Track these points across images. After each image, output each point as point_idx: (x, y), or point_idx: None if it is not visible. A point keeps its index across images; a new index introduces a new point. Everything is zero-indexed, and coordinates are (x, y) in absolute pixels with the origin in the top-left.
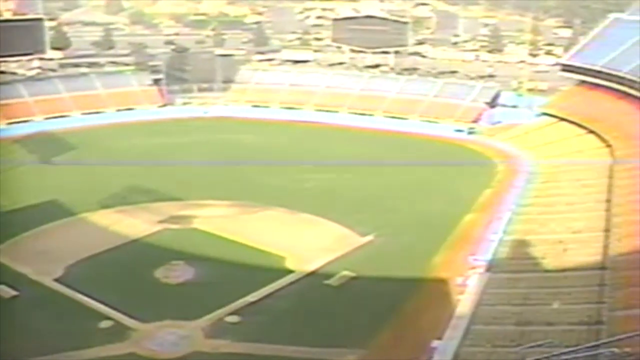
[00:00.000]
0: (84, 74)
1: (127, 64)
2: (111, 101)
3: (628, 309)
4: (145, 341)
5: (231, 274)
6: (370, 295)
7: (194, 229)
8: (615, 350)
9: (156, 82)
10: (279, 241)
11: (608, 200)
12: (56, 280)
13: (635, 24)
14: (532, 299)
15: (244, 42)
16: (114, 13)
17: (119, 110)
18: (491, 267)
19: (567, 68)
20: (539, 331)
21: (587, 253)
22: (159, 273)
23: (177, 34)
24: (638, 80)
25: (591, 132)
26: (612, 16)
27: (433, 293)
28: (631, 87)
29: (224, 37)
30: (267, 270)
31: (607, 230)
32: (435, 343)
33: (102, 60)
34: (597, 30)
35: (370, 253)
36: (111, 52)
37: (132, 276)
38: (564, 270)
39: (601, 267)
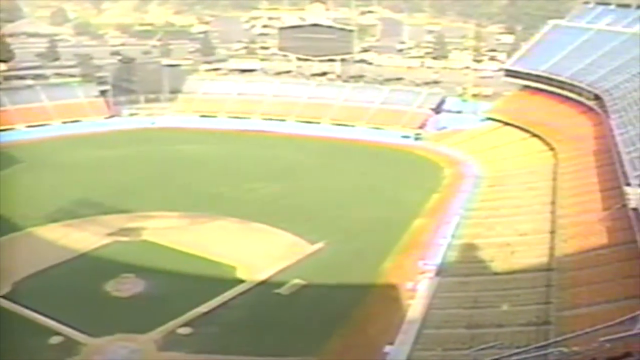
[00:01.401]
0: (29, 86)
1: (72, 76)
2: (57, 113)
3: (575, 309)
4: (96, 356)
5: (182, 285)
6: (321, 303)
7: (144, 240)
8: (564, 349)
9: (103, 93)
10: (230, 251)
11: (553, 202)
12: (3, 296)
13: (574, 30)
14: (481, 301)
15: (191, 52)
16: (58, 24)
17: (65, 123)
18: (441, 271)
19: (510, 73)
20: (489, 333)
21: (534, 255)
22: (110, 286)
23: (123, 45)
24: (578, 84)
25: (535, 135)
26: (552, 22)
27: (384, 298)
28: (571, 91)
29: (171, 47)
30: (218, 280)
31: (552, 232)
32: (387, 348)
33: (47, 72)
34: (538, 37)
35: (320, 260)
36: (57, 63)
37: (82, 290)
38: (512, 272)
39: (548, 268)
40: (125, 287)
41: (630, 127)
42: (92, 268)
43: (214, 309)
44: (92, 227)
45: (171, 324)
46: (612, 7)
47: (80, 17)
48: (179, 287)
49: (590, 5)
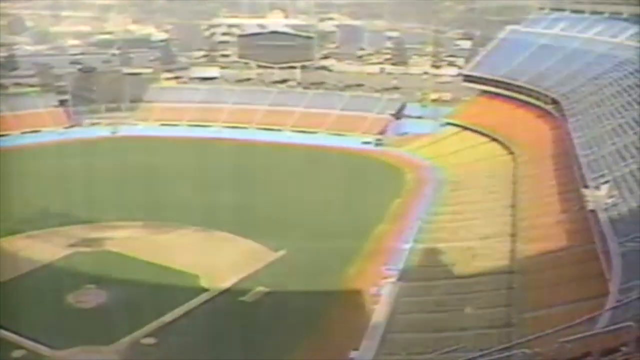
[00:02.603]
0: None
1: (32, 85)
2: (16, 123)
3: (536, 310)
4: None
5: (145, 295)
6: (285, 310)
7: (107, 251)
8: (526, 351)
9: (62, 103)
10: (192, 260)
11: (513, 206)
12: None
13: (531, 35)
14: (445, 305)
15: (151, 60)
16: (17, 33)
17: (24, 133)
18: (404, 276)
19: (469, 78)
20: (453, 337)
21: (495, 258)
22: (72, 298)
23: (83, 54)
24: (535, 89)
25: (494, 139)
26: (509, 28)
27: (348, 304)
28: (529, 96)
29: (131, 55)
30: (181, 289)
31: (513, 235)
32: (353, 354)
33: (6, 82)
34: (496, 42)
35: (283, 267)
36: (15, 73)
37: (44, 302)
38: (474, 275)
39: (509, 270)
40: (89, 298)
41: (587, 130)
42: (55, 279)
43: (177, 319)
44: (55, 238)
45: (135, 335)
46: (567, 13)
47: (39, 26)
48: (142, 297)
49: (546, 11)
